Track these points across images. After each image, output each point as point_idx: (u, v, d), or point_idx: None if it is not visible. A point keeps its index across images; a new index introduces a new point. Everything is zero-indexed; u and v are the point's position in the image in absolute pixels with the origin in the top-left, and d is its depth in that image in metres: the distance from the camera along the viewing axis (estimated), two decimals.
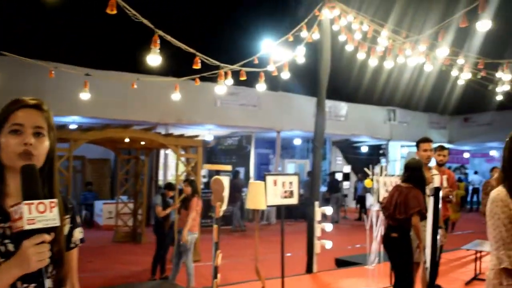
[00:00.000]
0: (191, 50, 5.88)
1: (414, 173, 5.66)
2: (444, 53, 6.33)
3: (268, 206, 6.24)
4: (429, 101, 22.29)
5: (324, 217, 16.13)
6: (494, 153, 26.63)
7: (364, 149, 25.01)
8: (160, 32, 5.03)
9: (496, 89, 9.37)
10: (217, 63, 6.44)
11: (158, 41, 5.07)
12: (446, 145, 21.55)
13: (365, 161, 24.69)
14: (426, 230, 5.77)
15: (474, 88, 10.42)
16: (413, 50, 7.20)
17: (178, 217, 8.22)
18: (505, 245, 2.66)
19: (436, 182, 5.90)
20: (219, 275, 4.76)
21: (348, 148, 24.80)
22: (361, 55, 8.12)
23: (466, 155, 26.72)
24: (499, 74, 8.21)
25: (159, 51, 5.17)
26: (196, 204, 7.83)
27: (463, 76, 8.28)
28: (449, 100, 20.05)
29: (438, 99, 21.59)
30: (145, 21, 4.79)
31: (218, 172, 4.74)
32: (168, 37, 5.21)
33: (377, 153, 24.84)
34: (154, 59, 5.21)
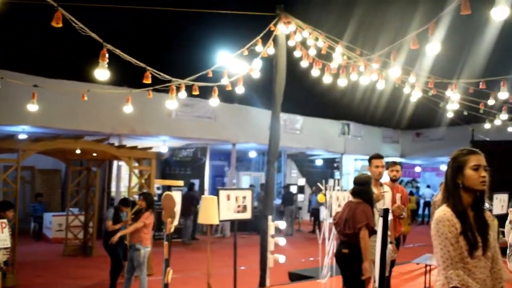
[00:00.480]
0: (141, 64, 5.78)
1: (361, 188, 5.73)
2: (396, 74, 6.44)
3: (220, 221, 6.19)
4: (382, 116, 22.73)
5: (278, 230, 16.15)
6: (444, 167, 27.25)
7: (319, 162, 25.23)
8: (109, 46, 4.91)
9: (446, 106, 9.62)
10: (168, 77, 6.36)
11: (107, 55, 4.96)
12: (398, 159, 21.96)
13: (319, 174, 24.93)
14: (375, 246, 5.85)
15: (426, 105, 10.66)
16: (367, 67, 7.30)
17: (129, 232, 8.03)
18: (453, 265, 2.70)
19: (387, 200, 5.99)
20: None
21: (303, 161, 24.99)
22: (315, 72, 8.18)
23: (418, 169, 27.31)
24: (448, 93, 8.43)
25: (107, 65, 5.03)
26: (146, 217, 7.69)
27: (414, 94, 8.46)
28: (401, 115, 20.50)
29: (391, 114, 22.05)
30: (93, 35, 4.68)
31: (169, 188, 4.65)
32: (117, 51, 5.10)
33: (331, 166, 25.10)
34: (102, 73, 5.07)
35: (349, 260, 5.55)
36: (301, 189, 21.61)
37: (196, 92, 7.33)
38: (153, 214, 7.91)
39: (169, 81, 6.57)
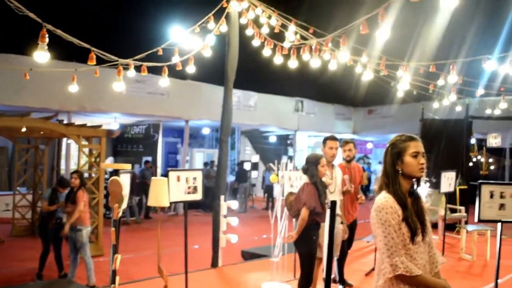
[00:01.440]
0: (84, 45, 5.55)
1: (307, 166, 5.76)
2: (345, 57, 6.44)
3: (171, 202, 6.10)
4: (335, 93, 22.92)
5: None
6: None
7: (273, 139, 25.33)
8: (49, 26, 4.67)
9: (397, 86, 9.76)
10: (114, 58, 6.15)
11: (47, 36, 4.71)
12: (351, 136, 22.15)
13: (273, 150, 25.08)
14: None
15: (378, 83, 10.78)
16: (318, 48, 7.25)
17: (66, 212, 7.83)
18: (397, 252, 2.70)
19: (338, 182, 6.01)
20: (117, 278, 4.56)
21: (257, 138, 25.03)
22: (267, 52, 8.09)
23: (370, 145, 27.78)
24: (400, 73, 8.54)
25: (51, 43, 4.80)
26: (82, 196, 7.56)
27: (366, 74, 8.51)
28: (354, 93, 20.70)
29: (344, 91, 22.26)
30: (31, 14, 4.44)
31: (116, 172, 4.52)
32: (58, 31, 4.86)
33: (285, 143, 25.26)
34: (42, 55, 4.83)
35: (299, 238, 5.59)
36: (254, 166, 21.66)
37: (145, 73, 7.12)
38: (86, 191, 7.80)
39: (116, 60, 6.35)
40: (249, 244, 10.82)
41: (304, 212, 5.49)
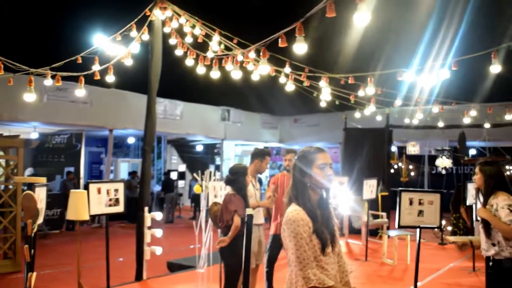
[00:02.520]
0: None
1: (234, 177, 5.74)
2: (266, 69, 6.50)
3: (91, 215, 5.91)
4: (262, 102, 23.11)
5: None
6: None
7: (200, 148, 25.21)
8: None
9: (319, 96, 9.99)
10: (25, 67, 5.89)
11: None
12: (277, 145, 22.30)
13: (200, 159, 24.94)
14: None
15: (302, 93, 10.96)
16: (242, 57, 7.27)
17: None
18: (309, 264, 2.70)
19: (258, 194, 6.03)
20: None
21: (183, 147, 24.83)
22: (189, 62, 8.03)
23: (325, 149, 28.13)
24: (322, 84, 8.72)
25: None
26: None
27: (289, 84, 8.64)
28: (280, 102, 20.95)
29: (270, 100, 22.48)
30: None
31: (31, 186, 4.31)
32: None
33: (212, 152, 25.18)
34: None
35: (226, 249, 5.55)
36: (181, 175, 21.45)
37: (59, 83, 6.88)
38: None
39: (28, 71, 6.09)
40: (175, 255, 10.65)
41: (237, 220, 5.45)
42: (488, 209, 4.54)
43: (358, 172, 14.06)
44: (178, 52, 8.13)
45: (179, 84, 18.49)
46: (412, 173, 21.67)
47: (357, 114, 13.32)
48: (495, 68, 5.91)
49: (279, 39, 4.84)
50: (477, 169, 4.72)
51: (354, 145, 14.98)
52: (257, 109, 24.22)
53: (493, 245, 4.52)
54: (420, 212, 5.79)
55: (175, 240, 13.11)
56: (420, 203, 5.78)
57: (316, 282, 2.68)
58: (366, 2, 3.82)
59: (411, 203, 5.77)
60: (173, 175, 20.29)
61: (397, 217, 5.74)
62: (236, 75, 7.17)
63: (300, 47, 4.58)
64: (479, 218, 4.69)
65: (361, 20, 3.96)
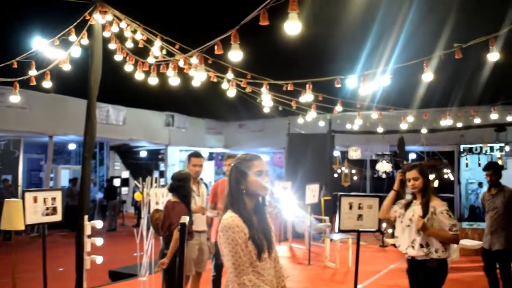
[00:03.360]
0: None
1: (179, 184, 5.67)
2: (202, 76, 6.49)
3: (26, 225, 5.71)
4: (206, 108, 23.03)
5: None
6: (265, 157, 28.59)
7: (144, 154, 24.89)
8: None
9: (262, 102, 10.07)
10: None
11: None
12: (222, 150, 22.29)
13: (144, 165, 24.63)
14: (193, 245, 5.90)
15: (246, 99, 11.01)
16: (185, 63, 7.22)
17: None
18: (245, 270, 2.72)
19: (202, 199, 6.01)
20: None
21: (127, 153, 24.45)
22: (128, 67, 7.91)
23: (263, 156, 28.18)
24: (263, 90, 8.79)
25: None
26: None
27: (231, 90, 8.67)
28: (225, 107, 20.93)
29: (214, 106, 22.43)
30: None
31: None
32: None
33: (156, 158, 24.92)
34: None
35: (173, 260, 5.47)
36: (125, 182, 21.10)
37: None
38: None
39: None
40: (117, 263, 10.45)
41: (177, 234, 5.41)
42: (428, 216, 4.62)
43: (301, 177, 14.21)
44: (118, 57, 7.98)
45: (122, 89, 18.19)
46: (355, 177, 22.10)
47: (300, 120, 13.49)
48: (427, 76, 6.13)
49: (215, 46, 4.85)
50: (416, 173, 4.73)
51: (297, 150, 15.15)
52: (202, 115, 24.16)
53: (422, 246, 4.62)
54: (360, 216, 5.91)
55: (117, 248, 12.86)
56: (359, 208, 5.91)
57: None
58: (296, 12, 3.89)
59: (350, 207, 5.89)
60: (116, 182, 19.91)
61: (337, 221, 5.85)
62: (175, 81, 7.11)
63: (236, 55, 4.61)
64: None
65: (292, 29, 4.03)
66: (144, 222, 7.21)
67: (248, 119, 24.01)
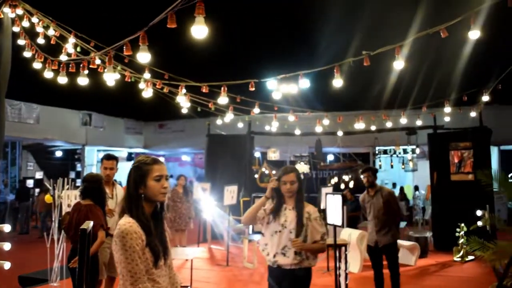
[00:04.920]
0: None
1: (93, 185, 5.54)
2: (112, 77, 6.36)
3: None
4: (125, 107, 22.56)
5: (14, 228, 14.90)
6: (186, 158, 28.44)
7: (59, 154, 24.04)
8: None
9: (180, 103, 9.98)
10: None
11: None
12: (142, 151, 21.93)
13: (59, 166, 23.78)
14: (108, 248, 5.76)
15: (166, 99, 10.88)
16: (91, 63, 7.00)
17: None
18: (141, 278, 2.68)
19: (117, 200, 5.87)
20: None
21: (41, 153, 23.53)
22: (37, 65, 7.60)
23: (161, 159, 27.86)
24: (181, 92, 8.73)
25: None
26: None
27: (148, 90, 8.56)
28: (145, 107, 20.58)
29: (134, 105, 22.01)
30: None
31: None
32: None
33: (72, 158, 24.14)
34: None
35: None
36: (38, 183, 20.27)
37: None
38: None
39: None
40: (28, 268, 10.01)
41: (102, 234, 5.30)
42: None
43: (221, 178, 14.22)
44: (27, 54, 7.65)
45: (37, 86, 17.50)
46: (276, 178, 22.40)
47: (219, 121, 13.51)
48: (338, 82, 6.31)
49: (124, 46, 4.77)
50: (293, 177, 4.53)
51: (217, 151, 15.14)
52: (121, 114, 23.65)
53: (296, 253, 4.42)
54: None
55: (29, 253, 12.34)
56: None
57: None
58: (203, 16, 3.91)
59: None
60: (29, 183, 19.09)
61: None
62: (84, 81, 6.92)
63: (144, 56, 4.54)
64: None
65: (199, 32, 4.04)
66: (54, 225, 6.96)
67: (169, 119, 23.77)
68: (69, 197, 6.88)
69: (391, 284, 7.22)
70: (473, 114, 12.80)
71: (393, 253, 7.26)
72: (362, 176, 7.42)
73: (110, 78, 6.46)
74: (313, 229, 4.44)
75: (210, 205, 11.96)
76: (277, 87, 7.28)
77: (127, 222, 2.73)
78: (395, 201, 7.33)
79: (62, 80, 7.32)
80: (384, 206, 7.18)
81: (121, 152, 24.19)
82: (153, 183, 2.81)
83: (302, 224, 4.41)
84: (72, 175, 22.59)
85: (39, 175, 21.29)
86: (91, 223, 2.98)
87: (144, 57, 4.59)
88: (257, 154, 22.10)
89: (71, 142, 20.97)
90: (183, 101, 9.11)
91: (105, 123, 22.63)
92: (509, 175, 17.17)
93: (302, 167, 18.73)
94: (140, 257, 2.67)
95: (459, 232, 10.98)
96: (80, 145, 21.61)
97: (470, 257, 10.79)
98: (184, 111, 11.15)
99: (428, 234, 12.42)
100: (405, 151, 19.27)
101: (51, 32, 7.68)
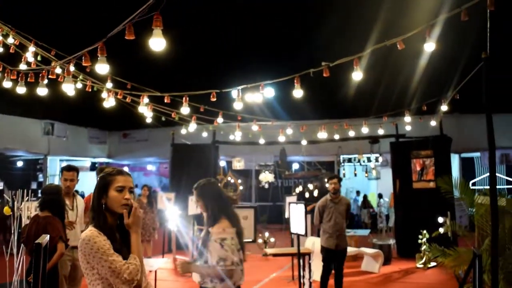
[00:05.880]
0: None
1: (52, 197, 5.45)
2: (70, 88, 6.28)
3: None
4: (89, 116, 22.22)
5: None
6: (151, 167, 28.18)
7: (20, 164, 23.53)
8: None
9: (143, 112, 9.90)
10: None
11: None
12: (106, 160, 21.67)
13: (21, 176, 23.23)
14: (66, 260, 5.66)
15: (129, 108, 10.78)
16: (67, 72, 6.86)
17: None
18: (123, 268, 2.70)
19: (79, 211, 5.77)
20: None
21: (1, 163, 22.96)
22: None
23: (126, 169, 27.51)
24: (144, 100, 8.69)
25: None
26: None
27: (109, 99, 8.51)
28: (108, 116, 20.31)
29: (97, 114, 21.71)
30: None
31: None
32: None
33: (34, 168, 23.62)
34: None
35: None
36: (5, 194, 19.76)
37: None
38: None
39: None
40: None
41: (62, 246, 5.21)
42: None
43: (186, 188, 14.11)
44: None
45: None
46: (241, 187, 22.41)
47: (183, 131, 13.44)
48: (298, 92, 6.37)
49: (83, 57, 4.73)
50: (196, 196, 4.28)
51: (182, 160, 15.07)
52: (84, 123, 23.28)
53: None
54: None
55: None
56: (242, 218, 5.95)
57: (135, 273, 2.69)
58: (160, 28, 3.91)
59: None
60: None
61: None
62: (43, 91, 6.82)
63: (102, 67, 4.52)
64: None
65: (156, 45, 4.04)
66: (13, 238, 6.79)
67: (133, 128, 23.50)
68: (29, 209, 6.73)
69: (336, 285, 7.85)
70: (433, 123, 13.05)
71: (344, 257, 7.91)
72: (329, 183, 7.71)
73: (69, 88, 6.38)
74: (213, 250, 3.92)
75: (174, 215, 11.86)
76: (239, 97, 7.30)
77: (88, 230, 2.76)
78: (350, 209, 8.09)
79: (21, 90, 7.18)
80: (345, 213, 7.72)
81: (85, 162, 23.82)
82: (115, 194, 2.83)
83: (204, 244, 4.03)
84: (34, 185, 22.10)
85: None
86: (47, 237, 2.94)
87: (102, 68, 4.56)
88: (222, 163, 22.07)
89: (32, 152, 20.55)
90: (146, 111, 9.06)
91: (68, 132, 22.25)
92: (470, 182, 17.60)
93: (267, 176, 18.84)
94: (110, 254, 2.68)
95: (421, 239, 11.17)
96: (42, 154, 21.18)
97: (433, 264, 10.97)
98: (148, 120, 11.07)
99: (392, 242, 12.60)
100: (369, 159, 19.52)
101: (10, 40, 7.52)
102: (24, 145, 19.66)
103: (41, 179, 22.49)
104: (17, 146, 19.44)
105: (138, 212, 2.87)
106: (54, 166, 23.44)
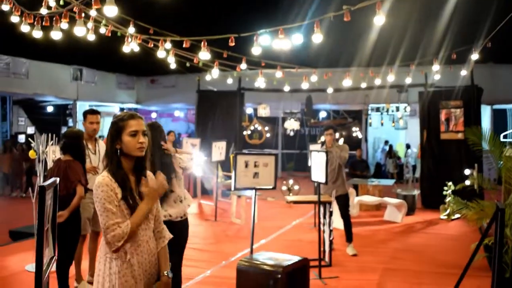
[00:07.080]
0: None
1: (72, 142, 5.49)
2: (82, 32, 6.21)
3: None
4: (117, 62, 22.26)
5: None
6: (178, 113, 28.32)
7: (50, 109, 23.93)
8: None
9: (168, 58, 9.81)
10: None
11: None
12: (134, 106, 21.80)
13: (51, 121, 23.69)
14: (90, 203, 5.77)
15: (155, 54, 10.73)
16: (79, 15, 6.81)
17: None
18: (110, 228, 2.71)
19: (100, 155, 5.82)
20: None
21: (32, 108, 23.40)
22: (15, 19, 7.38)
23: (154, 115, 27.77)
24: (167, 46, 8.60)
25: None
26: None
27: (127, 46, 8.47)
28: (136, 62, 20.29)
29: (125, 60, 21.71)
30: None
31: None
32: None
33: (63, 113, 24.02)
34: None
35: (67, 220, 5.31)
36: (30, 138, 20.20)
37: None
38: None
39: None
40: (18, 223, 10.10)
41: (81, 190, 5.30)
42: None
43: (211, 134, 14.21)
44: (5, 7, 7.44)
45: (24, 40, 17.21)
46: (269, 134, 22.44)
47: (208, 77, 13.37)
48: (317, 37, 6.19)
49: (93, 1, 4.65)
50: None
51: (207, 107, 15.09)
52: (112, 69, 23.35)
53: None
54: (256, 174, 5.98)
55: (21, 208, 12.41)
56: (255, 166, 5.97)
57: (123, 234, 2.71)
58: None
59: (246, 165, 5.94)
60: (21, 138, 19.05)
61: (233, 179, 5.89)
62: (57, 36, 6.78)
63: (110, 10, 4.43)
64: None
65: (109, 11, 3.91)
66: (39, 181, 6.95)
67: (160, 74, 23.46)
68: (54, 152, 6.84)
69: (345, 231, 8.12)
70: (463, 72, 12.66)
71: (346, 203, 8.14)
72: (324, 135, 7.93)
73: (81, 32, 6.32)
74: None
75: (199, 161, 11.98)
76: (259, 43, 7.14)
77: (101, 175, 2.80)
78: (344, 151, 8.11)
79: (37, 34, 7.14)
80: (340, 158, 7.83)
81: (113, 108, 24.07)
82: (129, 139, 2.83)
83: None
84: (64, 130, 22.52)
85: (30, 130, 21.24)
86: (57, 180, 2.97)
87: (110, 10, 4.48)
88: (249, 110, 22.03)
89: (61, 97, 20.79)
90: (164, 56, 8.97)
91: (97, 78, 22.39)
92: (501, 135, 17.23)
93: (292, 124, 18.76)
94: (109, 209, 2.70)
95: (447, 191, 11.06)
96: (71, 100, 21.44)
97: (457, 215, 10.87)
98: (172, 66, 11.00)
99: (416, 192, 12.52)
100: (397, 109, 19.19)
101: None
102: (53, 90, 19.89)
103: (70, 124, 22.89)
104: (46, 92, 19.69)
105: (161, 189, 2.91)
106: (83, 111, 23.75)
